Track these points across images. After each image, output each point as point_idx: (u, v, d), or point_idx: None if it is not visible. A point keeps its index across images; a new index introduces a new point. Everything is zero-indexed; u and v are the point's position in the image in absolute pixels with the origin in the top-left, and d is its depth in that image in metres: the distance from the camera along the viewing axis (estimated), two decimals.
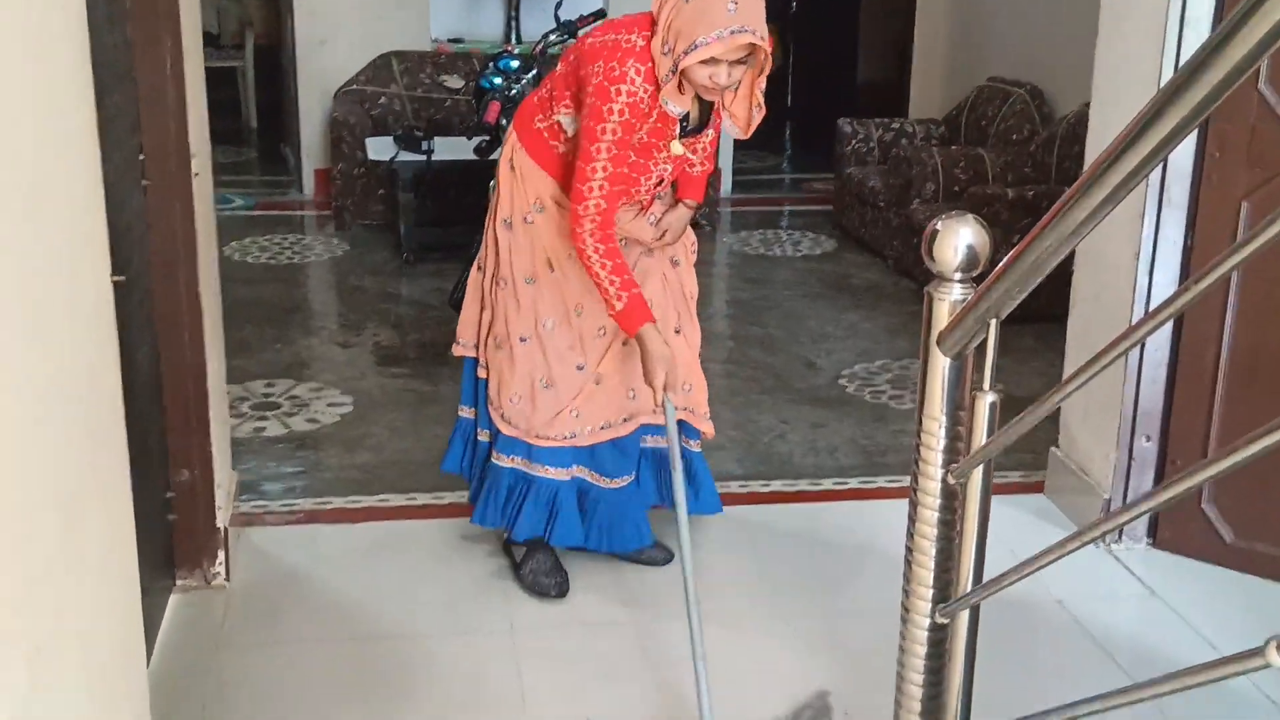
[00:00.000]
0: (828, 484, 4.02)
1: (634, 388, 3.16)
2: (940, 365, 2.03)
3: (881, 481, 4.01)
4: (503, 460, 3.17)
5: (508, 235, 3.06)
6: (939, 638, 2.10)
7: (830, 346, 5.25)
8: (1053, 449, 3.82)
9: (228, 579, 3.21)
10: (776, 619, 3.20)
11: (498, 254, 3.08)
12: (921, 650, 2.13)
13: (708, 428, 3.33)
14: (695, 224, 3.35)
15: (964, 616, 2.01)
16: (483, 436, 3.27)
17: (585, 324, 3.09)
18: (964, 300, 1.98)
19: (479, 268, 3.19)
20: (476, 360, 3.23)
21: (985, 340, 1.92)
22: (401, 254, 6.31)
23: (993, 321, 1.89)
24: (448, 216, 6.33)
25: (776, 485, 4.00)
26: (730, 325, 5.66)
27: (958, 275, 2.00)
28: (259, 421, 4.36)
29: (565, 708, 2.83)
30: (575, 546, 3.30)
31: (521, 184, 3.03)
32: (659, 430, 3.24)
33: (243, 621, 3.11)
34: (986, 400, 1.93)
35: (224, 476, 3.25)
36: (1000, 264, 1.83)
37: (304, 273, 6.33)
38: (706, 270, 6.42)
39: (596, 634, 3.12)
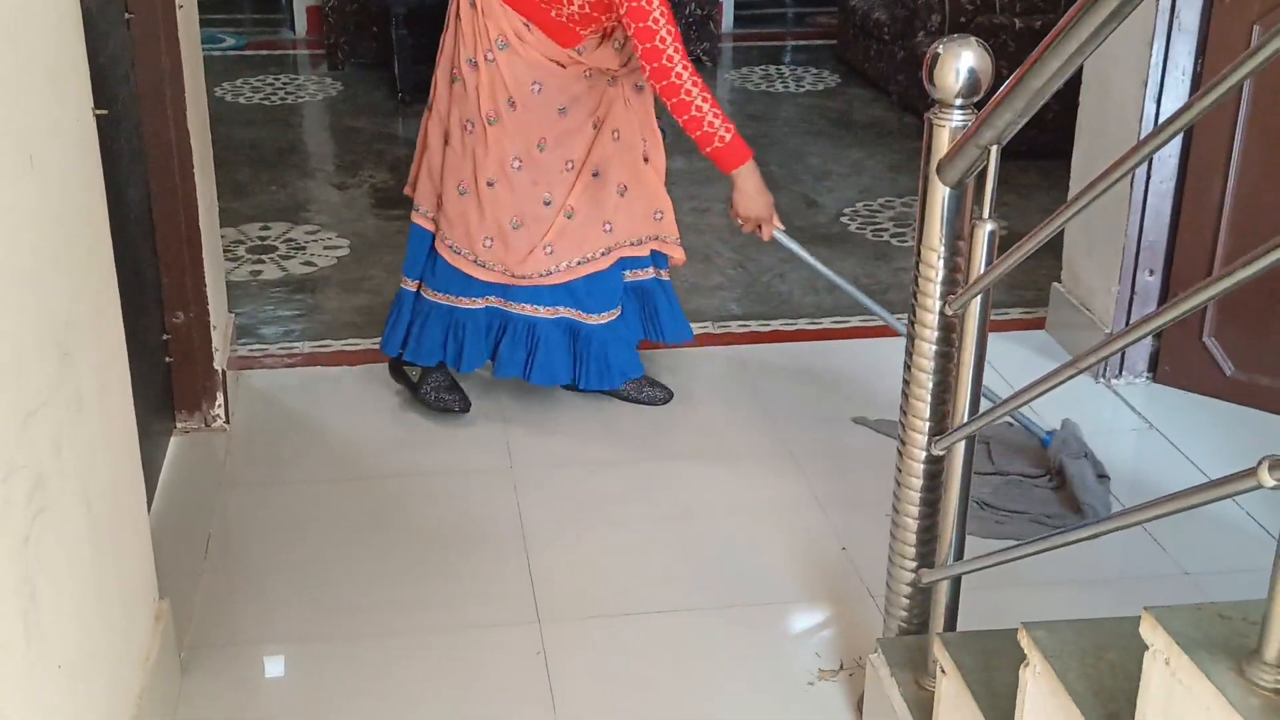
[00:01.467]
0: (827, 323, 4.00)
1: (608, 220, 3.14)
2: (940, 194, 2.00)
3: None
4: (476, 303, 3.17)
5: (474, 75, 2.97)
6: (935, 470, 2.11)
7: (832, 184, 5.18)
8: (1054, 284, 3.80)
9: (228, 422, 3.22)
10: (778, 455, 3.21)
11: (464, 96, 2.99)
12: (918, 482, 2.14)
13: (679, 254, 3.31)
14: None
15: (960, 448, 2.01)
16: (409, 285, 3.22)
17: (550, 158, 3.04)
18: (965, 127, 1.94)
19: (429, 108, 3.09)
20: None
21: (986, 168, 1.88)
22: (396, 93, 6.21)
23: (994, 149, 1.85)
24: None
25: (776, 324, 3.99)
26: None
27: (959, 101, 1.96)
28: (255, 265, 4.33)
29: (565, 544, 2.86)
30: (566, 386, 3.32)
31: (484, 20, 2.94)
32: (639, 263, 3.28)
33: (243, 462, 3.13)
34: (985, 229, 1.89)
35: (220, 319, 3.24)
36: (1002, 88, 1.78)
37: (298, 113, 6.23)
38: None
39: (597, 473, 3.14)
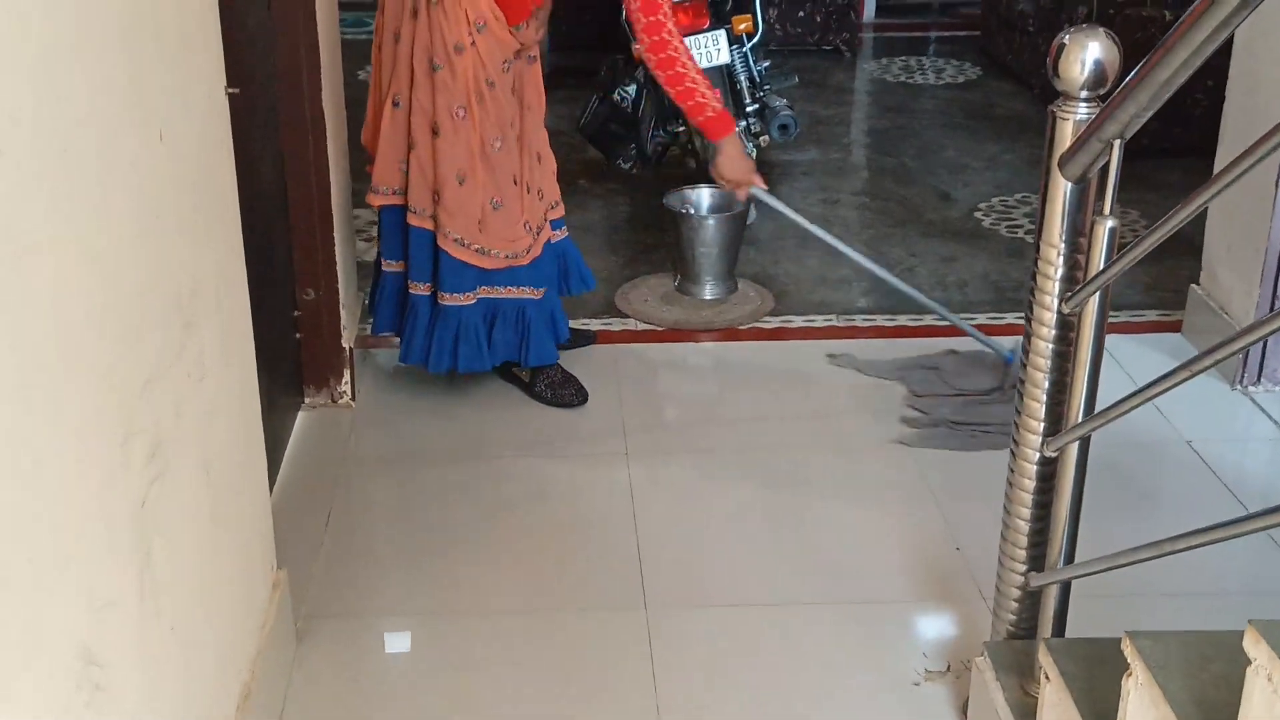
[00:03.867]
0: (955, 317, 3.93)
1: (540, 188, 3.22)
2: (1061, 189, 1.96)
3: (1011, 318, 3.91)
4: (468, 299, 3.15)
5: (459, 60, 2.96)
6: (1048, 471, 2.07)
7: (968, 178, 5.10)
8: (1192, 286, 3.68)
9: (354, 398, 3.29)
10: (896, 450, 3.17)
11: (450, 83, 2.97)
12: (1030, 484, 2.10)
13: (561, 210, 3.38)
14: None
15: (1073, 450, 1.97)
16: (422, 290, 3.18)
17: (514, 136, 3.10)
18: (1090, 121, 1.89)
19: (394, 105, 3.05)
20: (401, 209, 3.13)
21: (1108, 163, 1.83)
22: None
23: (1117, 143, 1.80)
24: (584, 40, 6.23)
25: (903, 320, 3.94)
26: (864, 155, 5.53)
27: (1084, 93, 1.91)
28: None
29: (676, 532, 2.86)
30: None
31: (463, 5, 2.94)
32: (558, 224, 3.36)
33: (367, 439, 3.20)
34: (1106, 226, 1.85)
35: (349, 297, 3.31)
36: (1127, 80, 1.74)
37: None
38: (844, 99, 6.28)
39: (711, 461, 3.14)
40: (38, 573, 1.31)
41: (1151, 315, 3.92)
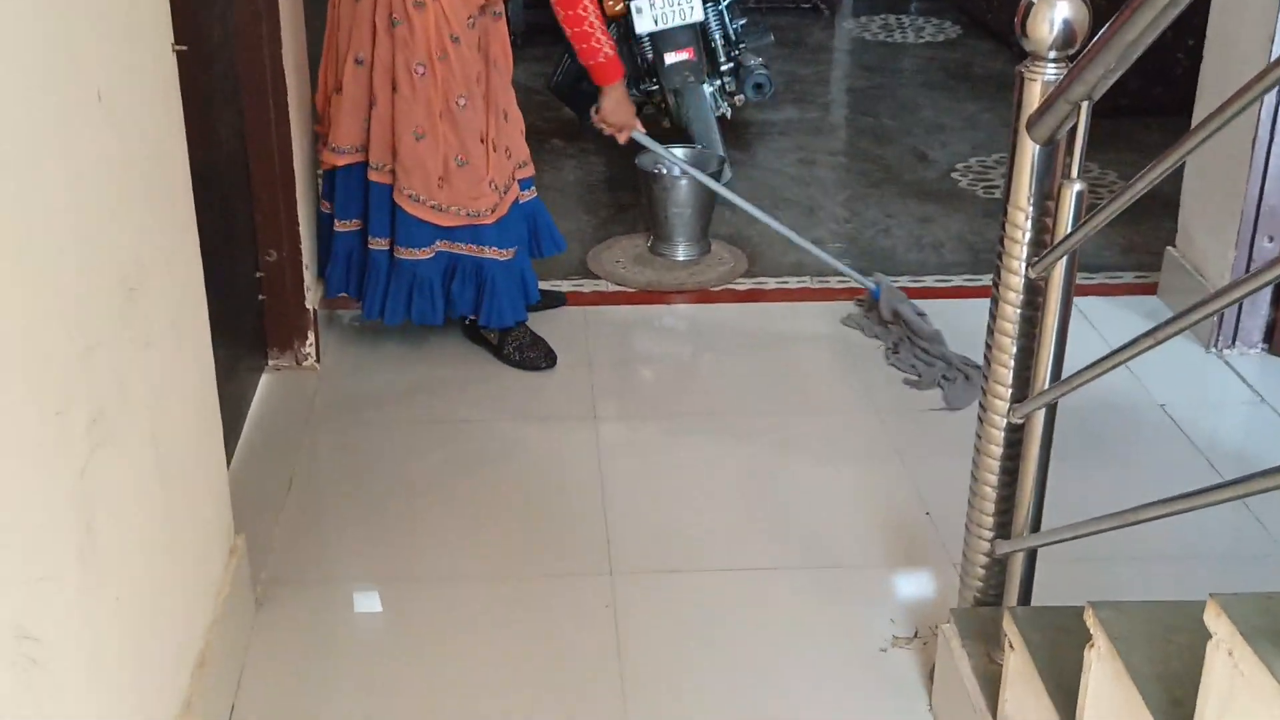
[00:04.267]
0: (930, 280, 3.90)
1: (507, 146, 3.20)
2: (1029, 152, 1.92)
3: (987, 280, 3.85)
4: (425, 253, 3.13)
5: (420, 15, 2.93)
6: (1015, 438, 2.04)
7: (945, 138, 5.05)
8: (1168, 248, 3.65)
9: (318, 360, 3.24)
10: (867, 414, 3.15)
11: (410, 39, 2.95)
12: (997, 450, 2.07)
13: (531, 170, 3.38)
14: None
15: (1039, 417, 1.94)
16: (381, 245, 3.16)
17: (480, 93, 3.06)
18: (1058, 82, 1.85)
19: (357, 61, 3.02)
20: (363, 165, 3.11)
21: (1076, 125, 1.79)
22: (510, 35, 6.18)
23: (1084, 104, 1.76)
24: None
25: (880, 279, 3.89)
26: (842, 114, 5.47)
27: (1052, 54, 1.87)
28: None
29: (643, 496, 2.83)
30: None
31: None
32: (527, 184, 3.35)
33: (331, 402, 3.15)
34: (1073, 190, 1.81)
35: (312, 258, 3.26)
36: (1094, 41, 1.69)
37: None
38: (822, 58, 6.21)
39: (680, 425, 3.11)
40: None
41: (1128, 277, 3.89)
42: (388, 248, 3.14)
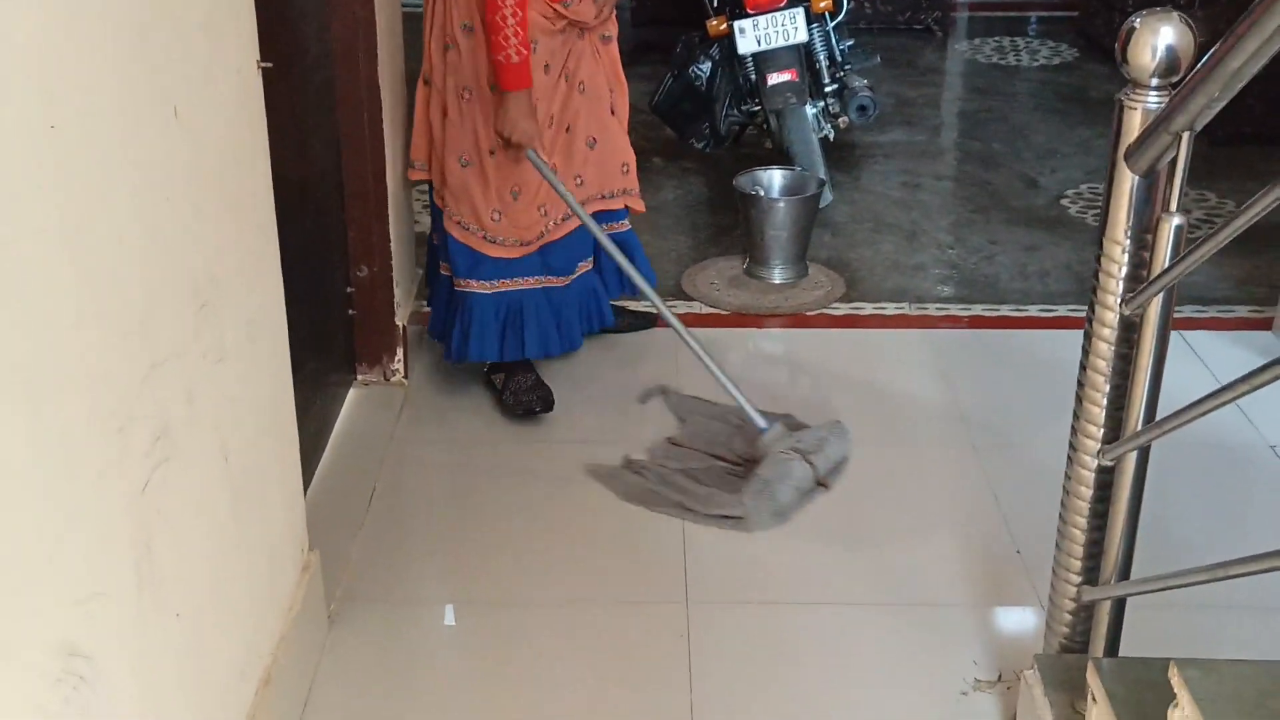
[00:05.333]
0: (1033, 310, 3.79)
1: (579, 174, 3.11)
2: (1128, 183, 1.84)
3: None
4: (485, 287, 3.06)
5: (469, 40, 2.88)
6: (1105, 480, 1.95)
7: (1056, 164, 4.92)
8: None
9: (406, 376, 3.24)
10: (961, 447, 3.06)
11: (460, 63, 2.90)
12: (1086, 493, 1.99)
13: (640, 205, 3.29)
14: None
15: (1131, 460, 1.85)
16: (445, 270, 3.14)
17: (540, 119, 2.97)
18: (1159, 110, 1.76)
19: (425, 81, 3.00)
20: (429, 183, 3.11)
21: (1177, 156, 1.71)
22: None
23: (1185, 135, 1.68)
24: (668, 15, 6.14)
25: (978, 309, 3.80)
26: (950, 138, 5.36)
27: (1154, 81, 1.79)
28: None
29: (724, 533, 2.78)
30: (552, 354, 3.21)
31: None
32: (614, 216, 3.27)
33: (417, 419, 3.15)
34: (1171, 224, 1.73)
35: (404, 274, 3.26)
36: (1197, 68, 1.61)
37: None
38: (932, 80, 6.11)
39: None
40: (13, 563, 1.26)
41: (1242, 311, 3.74)
42: (449, 275, 3.13)
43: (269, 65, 2.05)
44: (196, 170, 1.74)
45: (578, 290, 3.18)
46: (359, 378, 3.21)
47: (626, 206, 3.28)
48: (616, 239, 3.24)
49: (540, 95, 2.94)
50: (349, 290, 3.11)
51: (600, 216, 3.20)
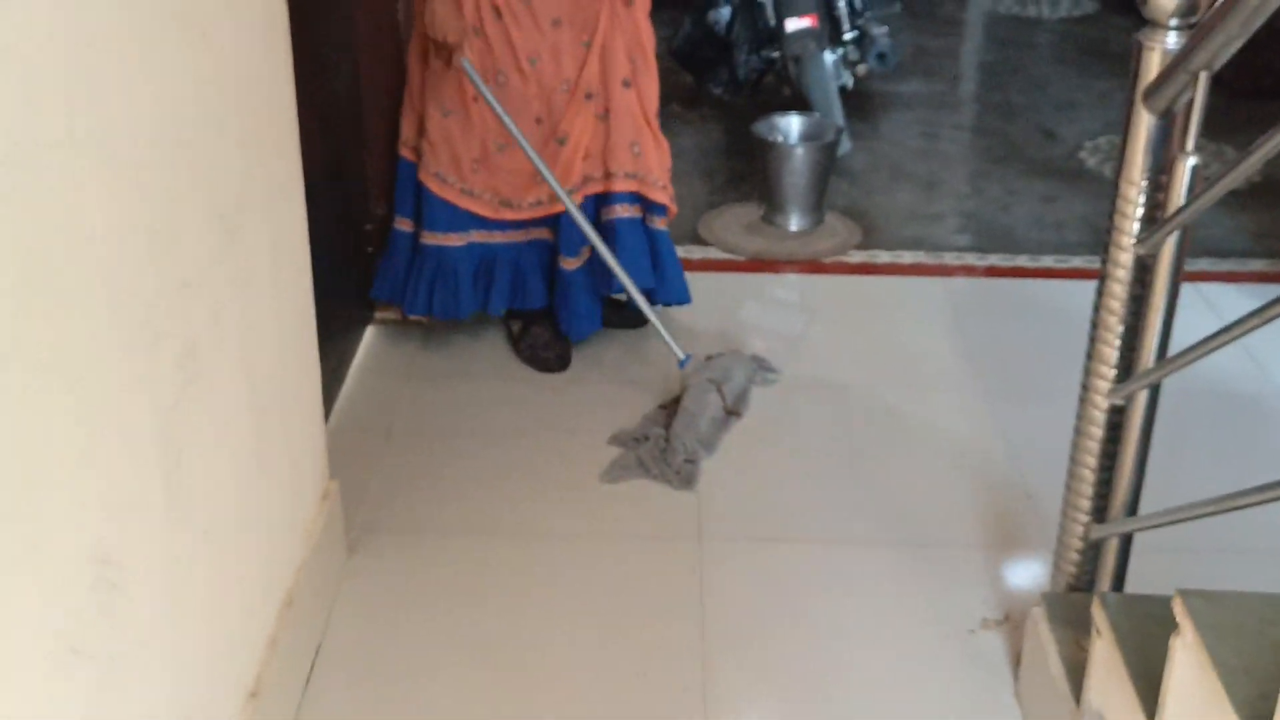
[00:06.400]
0: (1049, 260, 3.80)
1: (587, 148, 2.94)
2: (1145, 124, 1.85)
3: None
4: (457, 239, 2.97)
5: None
6: (1117, 420, 1.98)
7: (1075, 115, 4.91)
8: None
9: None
10: (974, 393, 3.08)
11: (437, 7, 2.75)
12: (1098, 432, 2.01)
13: (664, 199, 3.03)
14: None
15: (1142, 398, 1.87)
16: (404, 226, 3.04)
17: (545, 75, 2.85)
18: (1177, 51, 1.77)
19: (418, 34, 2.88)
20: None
21: (1194, 97, 1.72)
22: None
23: (1203, 74, 1.69)
24: None
25: (994, 259, 3.81)
26: (969, 89, 5.35)
27: (1174, 22, 1.79)
28: None
29: (737, 463, 2.81)
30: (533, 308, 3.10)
31: None
32: (626, 199, 3.01)
33: (435, 356, 3.18)
34: (1187, 164, 1.74)
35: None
36: (1215, 6, 1.62)
37: None
38: (953, 30, 6.08)
39: (781, 392, 3.07)
40: (47, 470, 1.29)
41: (1258, 264, 3.75)
42: (411, 230, 3.03)
43: None
44: (223, 94, 1.76)
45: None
46: (377, 315, 3.24)
47: (647, 200, 3.04)
48: (641, 227, 3.06)
49: (552, 54, 2.83)
50: (367, 228, 3.13)
51: (607, 198, 3.01)
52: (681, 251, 3.75)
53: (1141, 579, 2.07)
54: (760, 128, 3.93)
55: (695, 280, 3.57)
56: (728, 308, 3.51)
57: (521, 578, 2.46)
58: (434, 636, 2.31)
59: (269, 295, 1.98)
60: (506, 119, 2.82)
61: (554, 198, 2.92)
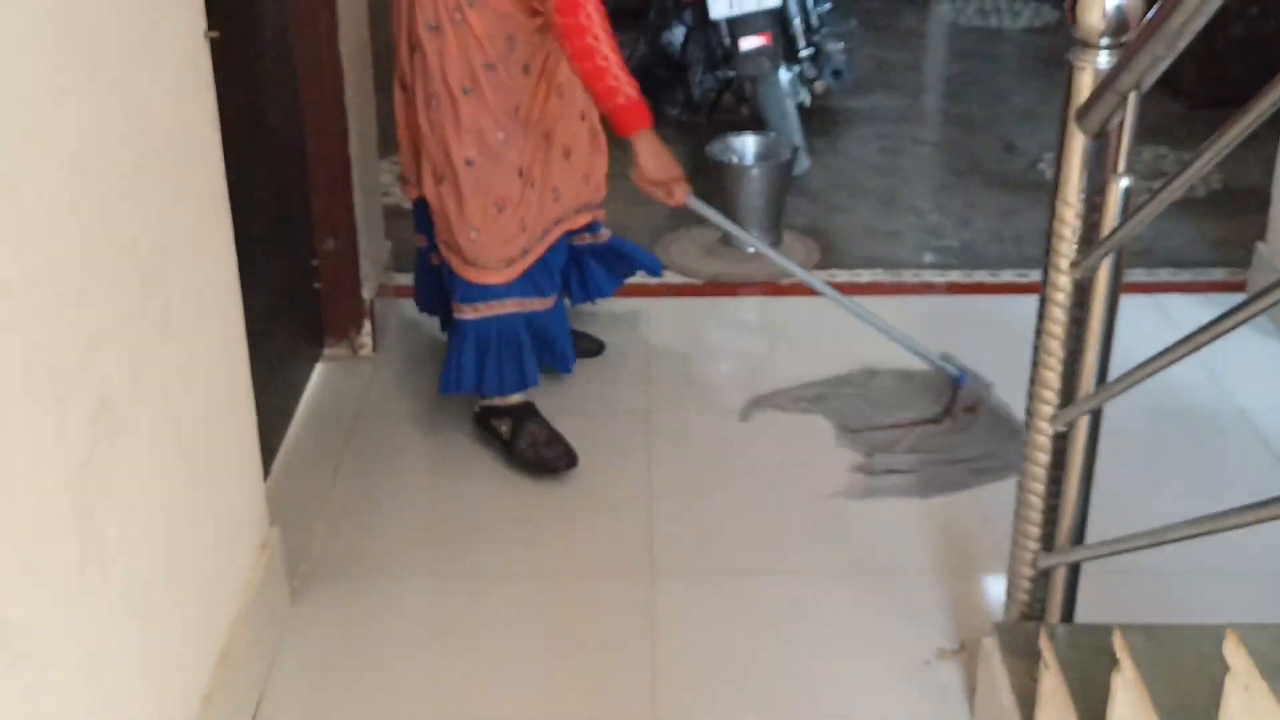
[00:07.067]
0: (1008, 274, 3.78)
1: (556, 186, 2.81)
2: (1079, 145, 1.82)
3: None
4: (465, 312, 2.76)
5: (436, 41, 2.57)
6: (1062, 446, 1.94)
7: (1035, 127, 4.89)
8: (1258, 244, 3.49)
9: (375, 349, 3.22)
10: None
11: (425, 66, 2.60)
12: (1043, 458, 1.97)
13: (601, 214, 3.05)
14: None
15: (1083, 424, 1.84)
16: (437, 260, 2.89)
17: (523, 124, 2.69)
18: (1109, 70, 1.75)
19: (402, 86, 2.73)
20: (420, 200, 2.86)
21: (1124, 118, 1.69)
22: None
23: (1132, 95, 1.66)
24: None
25: (954, 275, 3.79)
26: (930, 102, 5.34)
27: (1104, 41, 1.77)
28: None
29: (691, 496, 2.77)
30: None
31: None
32: (590, 228, 3.08)
33: (385, 393, 3.12)
34: (1120, 185, 1.72)
35: (372, 246, 3.24)
36: (1139, 28, 1.59)
37: None
38: (913, 43, 6.07)
39: (730, 425, 3.04)
40: None
41: (1218, 274, 3.73)
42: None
43: (216, 35, 2.02)
44: (137, 141, 1.72)
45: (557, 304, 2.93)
46: (326, 351, 3.20)
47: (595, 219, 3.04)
48: (601, 249, 3.13)
49: (521, 97, 2.67)
50: (314, 263, 3.09)
51: (581, 231, 3.05)
52: (640, 277, 3.72)
53: (1102, 602, 2.04)
54: (714, 149, 3.90)
55: (652, 306, 3.56)
56: (688, 332, 3.47)
57: (469, 620, 2.42)
58: (381, 686, 2.26)
59: (197, 346, 1.94)
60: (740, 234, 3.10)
61: (535, 242, 2.78)
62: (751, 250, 3.49)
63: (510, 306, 2.78)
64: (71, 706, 1.53)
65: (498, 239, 2.69)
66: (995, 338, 3.39)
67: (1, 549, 1.37)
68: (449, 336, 2.88)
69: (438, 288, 3.00)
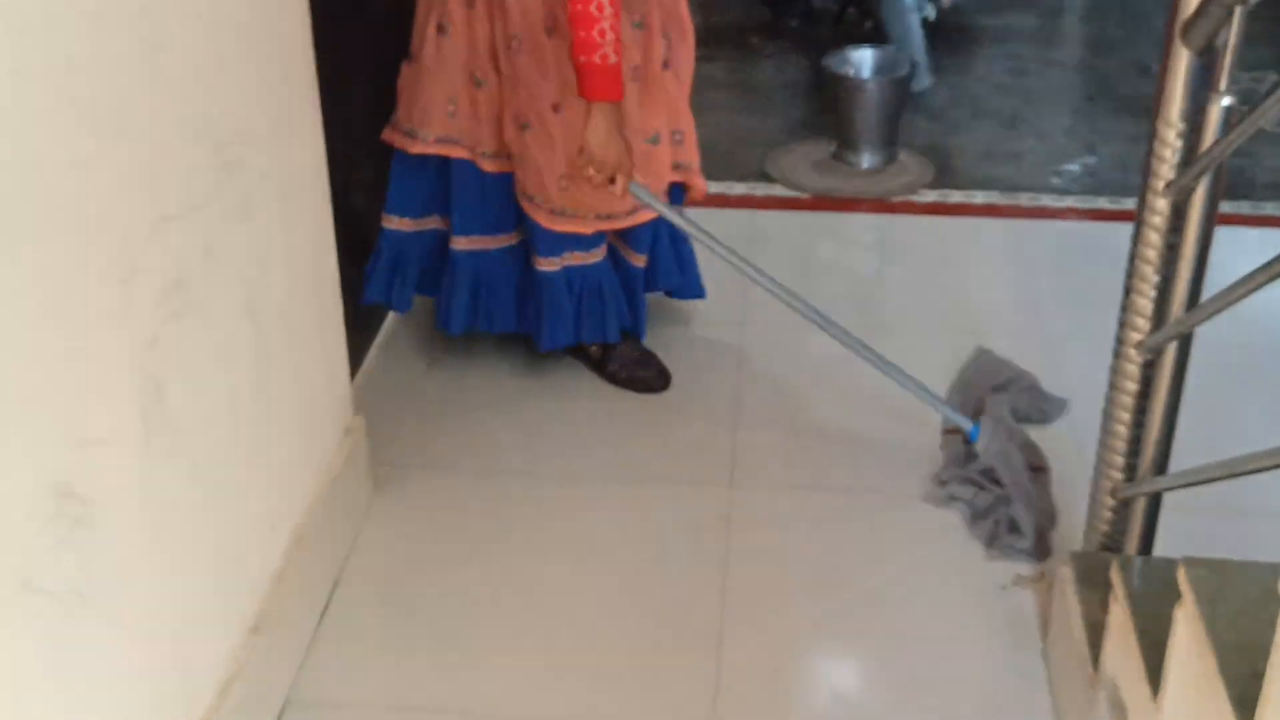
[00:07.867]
0: (1129, 203, 3.63)
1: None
2: (1183, 61, 1.73)
3: None
4: (552, 264, 2.63)
5: None
6: (1150, 374, 1.87)
7: None
8: None
9: None
10: (1034, 336, 2.97)
11: (504, 5, 2.43)
12: (1132, 386, 1.91)
13: (701, 184, 2.74)
14: None
15: (1171, 350, 1.77)
16: (465, 245, 2.68)
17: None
18: None
19: (439, 28, 2.50)
20: (430, 155, 2.61)
21: (1230, 34, 1.60)
22: None
23: (1238, 9, 1.57)
24: None
25: (1070, 201, 3.67)
26: (1065, 22, 5.14)
27: None
28: None
29: (777, 413, 2.74)
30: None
31: None
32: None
33: None
34: (1220, 104, 1.63)
35: None
36: None
37: None
38: None
39: (822, 346, 2.99)
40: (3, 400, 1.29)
41: None
42: (516, 243, 2.71)
43: None
44: (218, 21, 1.72)
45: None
46: None
47: (673, 184, 2.71)
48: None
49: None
50: None
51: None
52: (745, 188, 3.69)
53: (1190, 541, 1.96)
54: (831, 61, 3.81)
55: (756, 218, 3.51)
56: (791, 245, 3.42)
57: (548, 518, 2.44)
58: (456, 575, 2.30)
59: (276, 229, 1.96)
60: (681, 223, 2.58)
61: (637, 209, 2.61)
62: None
63: (597, 256, 2.68)
64: (133, 574, 1.57)
65: (584, 187, 2.52)
66: (1108, 267, 3.28)
67: (63, 417, 1.40)
68: (537, 293, 2.69)
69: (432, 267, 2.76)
